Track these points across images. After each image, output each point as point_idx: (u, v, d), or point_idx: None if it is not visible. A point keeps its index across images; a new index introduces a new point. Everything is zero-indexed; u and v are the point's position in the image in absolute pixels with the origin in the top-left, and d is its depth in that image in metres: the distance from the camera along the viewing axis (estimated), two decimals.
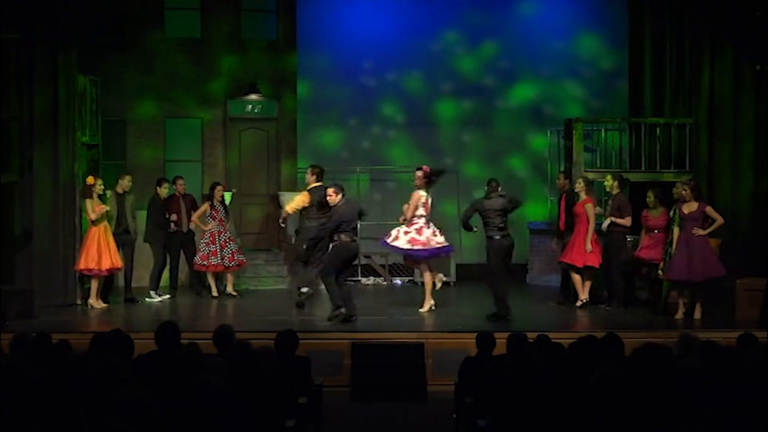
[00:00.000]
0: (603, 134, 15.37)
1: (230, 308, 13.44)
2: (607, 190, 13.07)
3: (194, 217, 14.11)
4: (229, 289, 14.27)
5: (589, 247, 12.70)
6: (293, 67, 16.80)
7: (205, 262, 14.00)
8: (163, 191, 14.03)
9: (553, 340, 7.32)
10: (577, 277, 12.93)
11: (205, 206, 14.15)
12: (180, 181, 14.27)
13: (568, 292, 13.29)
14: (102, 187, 13.03)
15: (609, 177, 13.12)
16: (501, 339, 8.06)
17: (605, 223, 12.74)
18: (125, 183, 13.60)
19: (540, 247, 16.00)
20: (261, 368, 6.61)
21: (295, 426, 6.45)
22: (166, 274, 14.21)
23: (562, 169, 14.87)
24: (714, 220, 11.94)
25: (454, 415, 8.24)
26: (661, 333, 10.57)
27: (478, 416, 6.51)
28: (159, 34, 16.57)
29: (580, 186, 12.94)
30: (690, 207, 11.95)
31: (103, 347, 7.13)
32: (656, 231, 12.50)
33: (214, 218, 14.07)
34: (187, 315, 12.93)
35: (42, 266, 13.17)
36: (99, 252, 12.80)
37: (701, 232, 11.85)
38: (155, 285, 13.94)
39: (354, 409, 10.00)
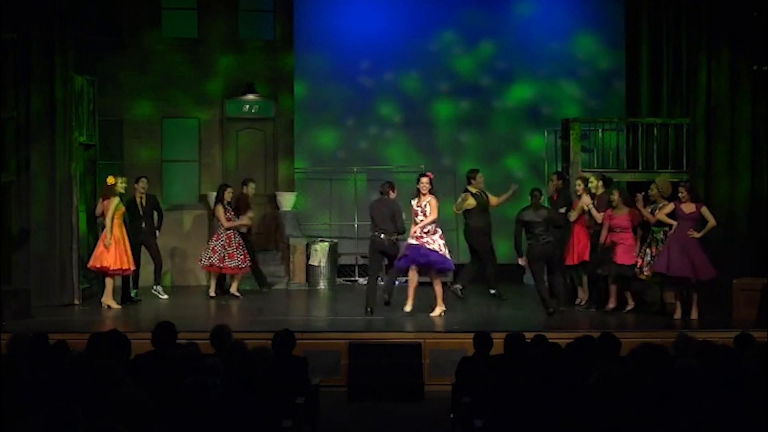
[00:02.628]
0: (600, 134, 15.36)
1: (227, 308, 13.43)
2: (592, 191, 13.03)
3: (228, 223, 13.98)
4: (233, 289, 14.24)
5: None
6: (290, 67, 16.79)
7: (221, 264, 13.98)
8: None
9: (550, 341, 7.34)
10: (584, 279, 12.99)
11: (219, 209, 14.09)
12: (143, 180, 13.95)
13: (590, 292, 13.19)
14: (124, 185, 13.08)
15: (593, 178, 13.09)
16: (498, 339, 8.05)
17: (586, 203, 12.69)
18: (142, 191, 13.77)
19: None
20: (258, 368, 6.61)
21: (292, 426, 6.44)
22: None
23: (559, 169, 14.88)
24: (708, 221, 12.00)
25: (451, 415, 8.25)
26: (658, 333, 10.56)
27: (475, 416, 6.51)
28: (156, 33, 16.56)
29: (580, 188, 12.93)
30: (689, 207, 11.98)
31: (100, 347, 7.13)
32: (618, 230, 12.47)
33: (229, 219, 14.05)
34: (185, 315, 12.90)
35: (39, 266, 13.17)
36: (119, 253, 12.85)
37: (696, 234, 11.87)
38: (160, 280, 14.11)
39: (351, 409, 9.98)
